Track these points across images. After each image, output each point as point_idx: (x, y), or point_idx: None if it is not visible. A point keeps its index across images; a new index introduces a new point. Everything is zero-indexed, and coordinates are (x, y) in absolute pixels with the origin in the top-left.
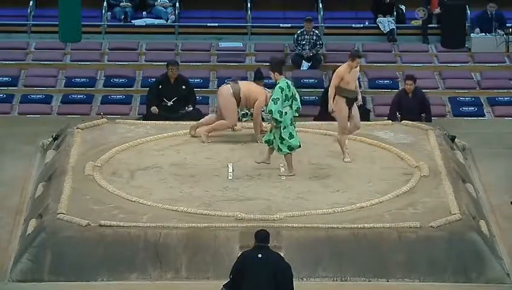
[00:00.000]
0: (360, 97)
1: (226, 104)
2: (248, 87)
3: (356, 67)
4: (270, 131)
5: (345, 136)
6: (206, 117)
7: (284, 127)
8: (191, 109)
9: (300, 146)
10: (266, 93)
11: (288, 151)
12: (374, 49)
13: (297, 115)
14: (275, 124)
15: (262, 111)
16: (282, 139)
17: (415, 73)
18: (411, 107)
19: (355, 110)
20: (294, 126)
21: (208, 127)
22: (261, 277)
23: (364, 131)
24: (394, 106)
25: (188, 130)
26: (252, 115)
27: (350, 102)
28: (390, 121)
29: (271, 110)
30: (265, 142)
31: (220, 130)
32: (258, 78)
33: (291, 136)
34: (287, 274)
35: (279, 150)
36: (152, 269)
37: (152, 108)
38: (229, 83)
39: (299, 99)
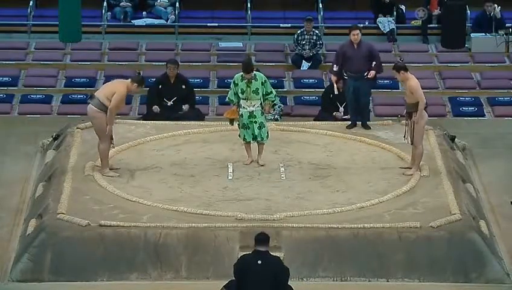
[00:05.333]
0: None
1: (97, 125)
2: (106, 88)
3: (402, 80)
4: (246, 128)
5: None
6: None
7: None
8: (187, 107)
9: None
10: (126, 85)
11: (267, 138)
12: (377, 49)
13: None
14: (273, 109)
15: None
16: (264, 126)
17: (415, 73)
18: (356, 57)
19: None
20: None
21: (102, 162)
22: (261, 283)
23: (364, 131)
24: (337, 56)
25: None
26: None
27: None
28: (390, 121)
29: (275, 94)
30: (253, 139)
31: (106, 156)
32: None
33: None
34: (284, 275)
35: (266, 137)
36: (152, 269)
37: (154, 107)
38: (89, 102)
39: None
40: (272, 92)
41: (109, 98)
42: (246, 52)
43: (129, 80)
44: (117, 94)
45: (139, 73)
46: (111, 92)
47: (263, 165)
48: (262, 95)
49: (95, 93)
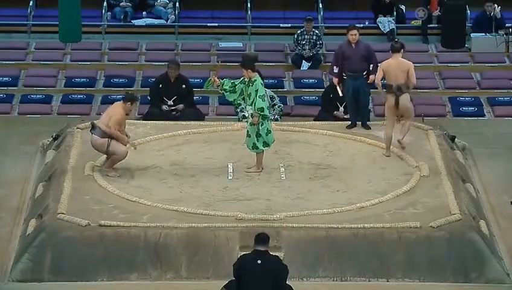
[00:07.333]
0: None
1: (99, 148)
2: (105, 117)
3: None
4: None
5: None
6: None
7: (262, 124)
8: (182, 106)
9: (274, 141)
10: (121, 107)
11: (263, 148)
12: (373, 49)
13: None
14: (261, 120)
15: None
16: (259, 135)
17: (415, 73)
18: (354, 56)
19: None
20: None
21: (108, 163)
22: (260, 283)
23: (364, 131)
24: (337, 57)
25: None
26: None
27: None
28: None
29: (262, 107)
30: (252, 148)
31: (116, 161)
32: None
33: (268, 131)
34: (283, 273)
35: (255, 147)
36: (152, 269)
37: (163, 106)
38: (91, 133)
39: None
40: (260, 106)
41: (109, 125)
42: (246, 52)
43: (121, 101)
44: (115, 116)
45: (127, 92)
46: (110, 119)
47: (248, 171)
48: (254, 104)
49: (96, 123)
